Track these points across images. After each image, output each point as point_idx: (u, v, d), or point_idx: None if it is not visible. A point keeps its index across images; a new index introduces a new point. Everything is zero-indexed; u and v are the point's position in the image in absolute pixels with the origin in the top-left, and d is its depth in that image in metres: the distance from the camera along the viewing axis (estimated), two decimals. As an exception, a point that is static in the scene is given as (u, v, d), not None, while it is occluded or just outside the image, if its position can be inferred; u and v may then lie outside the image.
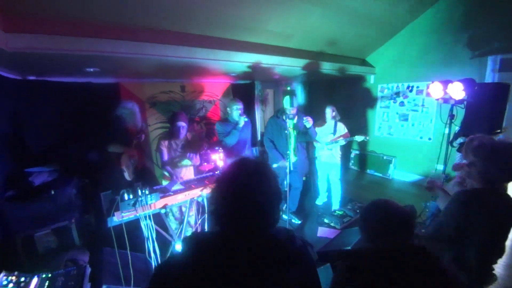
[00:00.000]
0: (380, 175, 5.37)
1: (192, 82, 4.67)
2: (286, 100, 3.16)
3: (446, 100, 3.04)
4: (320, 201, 4.22)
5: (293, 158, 3.37)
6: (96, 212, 2.76)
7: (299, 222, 3.80)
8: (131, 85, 4.05)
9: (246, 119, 2.82)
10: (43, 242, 2.18)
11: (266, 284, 0.69)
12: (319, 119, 3.92)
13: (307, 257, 0.80)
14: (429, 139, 4.70)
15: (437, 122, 4.48)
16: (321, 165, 3.98)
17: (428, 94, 3.60)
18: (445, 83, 2.93)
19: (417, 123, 4.84)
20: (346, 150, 5.93)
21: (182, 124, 2.80)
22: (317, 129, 3.78)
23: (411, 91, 4.83)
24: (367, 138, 3.71)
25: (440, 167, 3.35)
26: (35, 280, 1.64)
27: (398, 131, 5.13)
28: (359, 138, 3.66)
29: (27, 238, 2.15)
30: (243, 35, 3.31)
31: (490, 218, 1.25)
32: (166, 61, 2.99)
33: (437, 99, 3.14)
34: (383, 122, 5.35)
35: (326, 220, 3.58)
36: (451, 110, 3.05)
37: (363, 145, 5.71)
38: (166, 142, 2.84)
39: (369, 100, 5.49)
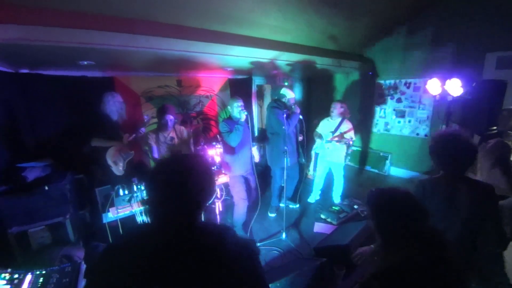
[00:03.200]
0: (377, 171, 5.39)
1: (188, 76, 4.61)
2: (284, 90, 3.33)
3: (443, 97, 3.05)
4: (312, 198, 4.11)
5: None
6: (91, 208, 2.73)
7: (297, 205, 3.93)
8: (126, 79, 3.98)
9: (245, 113, 2.82)
10: (37, 238, 2.14)
11: (190, 279, 0.72)
12: (319, 115, 3.89)
13: (237, 258, 0.80)
14: (425, 135, 4.72)
15: (434, 118, 4.50)
16: (324, 162, 3.84)
17: (425, 91, 3.60)
18: (443, 79, 2.93)
19: (413, 119, 4.85)
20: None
21: (171, 117, 2.84)
22: (321, 123, 3.79)
23: (408, 87, 4.83)
24: (351, 143, 3.49)
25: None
26: (29, 277, 1.61)
27: (395, 128, 5.15)
28: (345, 140, 3.48)
29: (21, 234, 2.11)
30: (240, 29, 3.25)
31: (444, 198, 1.37)
32: (161, 54, 2.93)
33: (435, 96, 3.15)
34: (380, 118, 5.36)
35: (322, 216, 3.59)
36: (449, 106, 3.06)
37: (360, 142, 5.72)
38: (154, 136, 2.83)
39: (366, 97, 5.48)
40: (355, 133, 3.65)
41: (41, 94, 3.20)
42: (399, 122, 5.06)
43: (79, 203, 2.79)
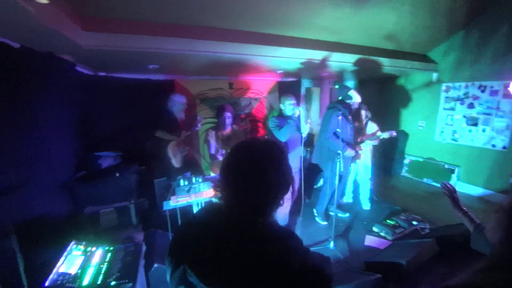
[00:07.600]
0: (439, 185, 4.78)
1: (239, 79, 4.78)
2: (352, 92, 3.28)
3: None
4: (346, 199, 4.10)
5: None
6: (150, 197, 2.98)
7: (346, 215, 3.72)
8: (184, 82, 4.32)
9: (299, 108, 2.80)
10: (106, 219, 2.42)
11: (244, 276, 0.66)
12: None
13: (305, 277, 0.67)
14: (504, 147, 4.04)
15: (517, 127, 3.83)
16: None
17: (505, 95, 3.08)
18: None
19: (489, 128, 4.20)
20: (399, 155, 5.46)
21: (228, 114, 2.97)
22: None
23: (483, 91, 4.22)
24: (394, 134, 3.49)
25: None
26: (99, 251, 1.82)
27: (464, 137, 4.52)
28: (384, 134, 3.48)
29: (93, 214, 2.41)
30: (291, 31, 3.26)
31: None
32: (216, 57, 3.10)
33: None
34: (446, 126, 4.77)
35: (375, 229, 3.31)
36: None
37: (419, 151, 5.18)
38: (213, 133, 2.98)
39: (430, 101, 4.95)
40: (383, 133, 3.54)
41: (113, 94, 3.66)
42: (470, 131, 4.44)
43: (140, 192, 3.07)
